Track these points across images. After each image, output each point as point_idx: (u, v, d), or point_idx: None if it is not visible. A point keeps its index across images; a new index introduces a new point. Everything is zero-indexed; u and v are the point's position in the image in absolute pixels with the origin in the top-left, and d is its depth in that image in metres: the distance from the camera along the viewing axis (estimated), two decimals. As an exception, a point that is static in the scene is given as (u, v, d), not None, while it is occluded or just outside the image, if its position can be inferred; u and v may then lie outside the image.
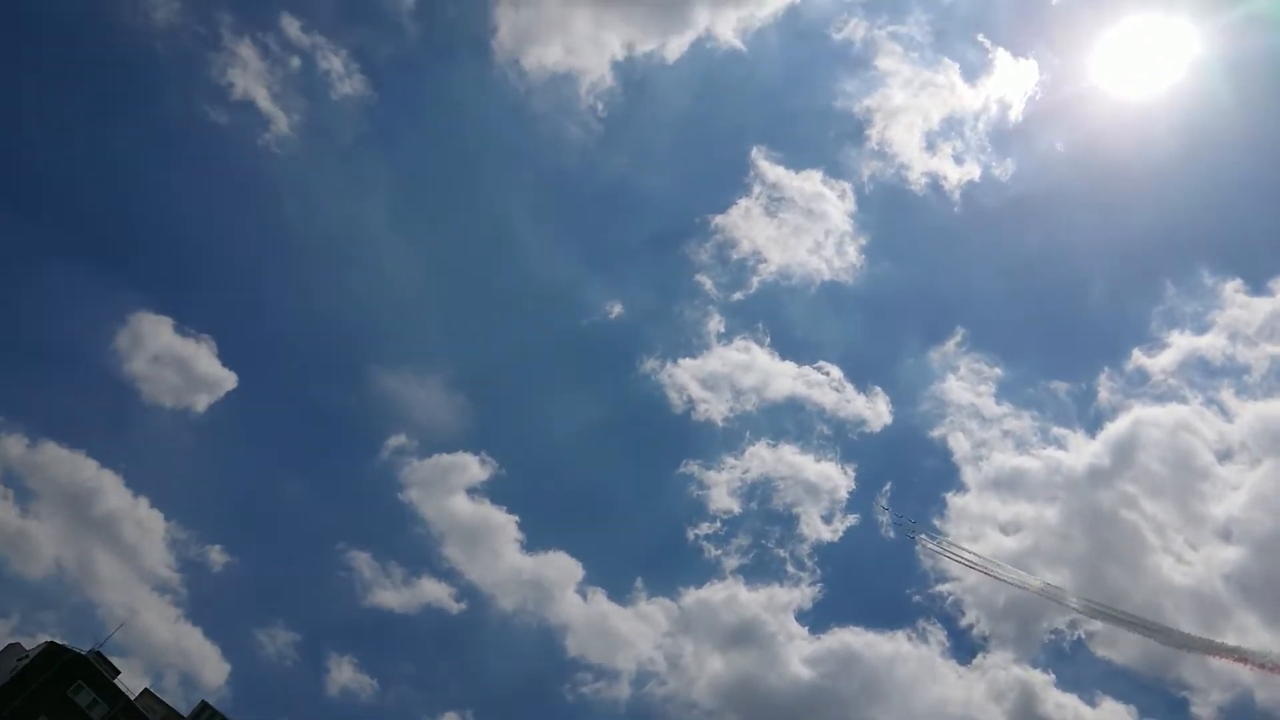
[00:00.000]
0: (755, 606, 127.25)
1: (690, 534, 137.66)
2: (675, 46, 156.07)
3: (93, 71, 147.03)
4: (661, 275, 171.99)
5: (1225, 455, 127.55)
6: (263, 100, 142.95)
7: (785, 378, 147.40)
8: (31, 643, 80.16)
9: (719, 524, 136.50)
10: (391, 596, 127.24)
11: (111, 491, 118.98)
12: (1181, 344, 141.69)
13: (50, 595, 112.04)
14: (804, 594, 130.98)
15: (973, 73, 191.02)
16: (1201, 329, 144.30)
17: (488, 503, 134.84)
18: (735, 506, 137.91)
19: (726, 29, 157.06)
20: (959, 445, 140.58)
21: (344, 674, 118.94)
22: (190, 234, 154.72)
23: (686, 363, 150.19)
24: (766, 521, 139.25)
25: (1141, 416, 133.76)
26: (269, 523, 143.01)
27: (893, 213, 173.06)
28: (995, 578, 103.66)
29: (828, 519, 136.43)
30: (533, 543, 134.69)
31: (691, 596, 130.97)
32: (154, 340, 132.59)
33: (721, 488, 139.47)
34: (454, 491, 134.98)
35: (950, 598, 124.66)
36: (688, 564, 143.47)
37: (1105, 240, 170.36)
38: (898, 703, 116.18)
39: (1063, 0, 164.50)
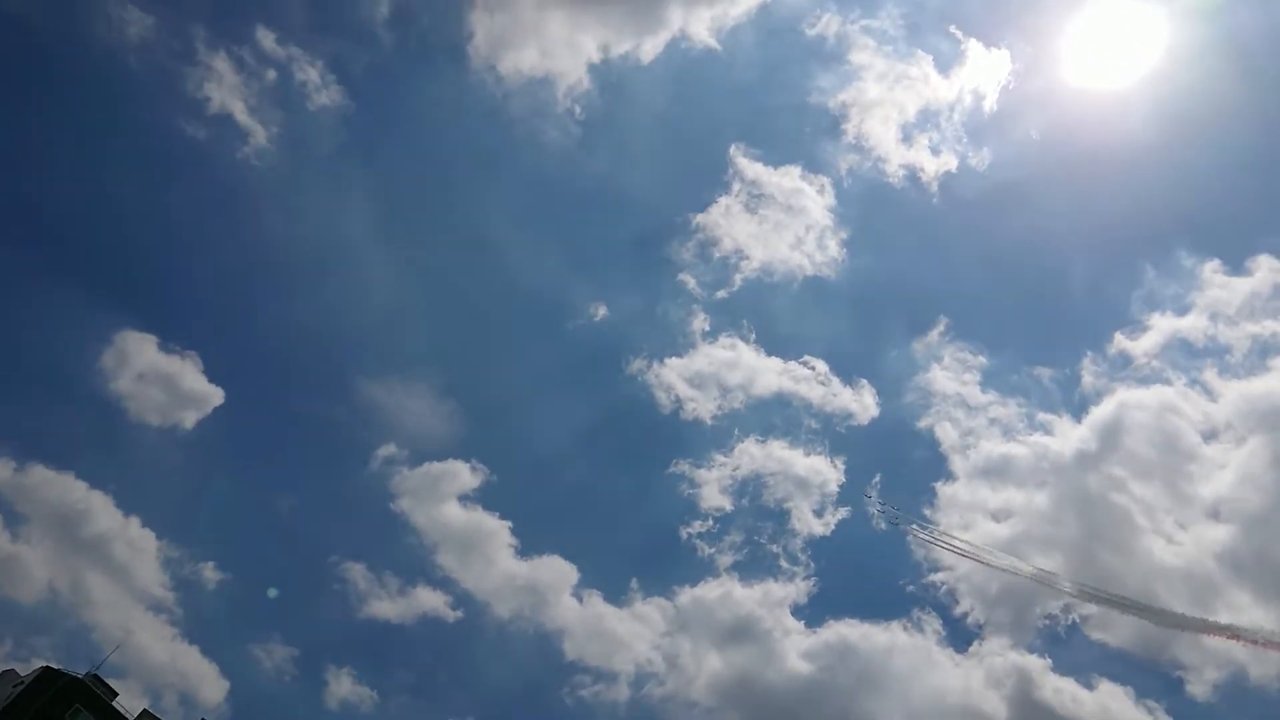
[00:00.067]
0: (750, 603, 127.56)
1: (683, 533, 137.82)
2: (650, 47, 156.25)
3: (67, 89, 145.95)
4: (645, 276, 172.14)
5: (1211, 435, 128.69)
6: (240, 113, 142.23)
7: (771, 374, 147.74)
8: (26, 668, 79.70)
9: (711, 522, 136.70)
10: (387, 607, 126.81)
11: (102, 512, 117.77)
12: (1163, 326, 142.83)
13: (44, 619, 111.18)
14: (798, 588, 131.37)
15: (946, 64, 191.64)
16: (1182, 310, 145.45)
17: (480, 509, 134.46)
18: (727, 504, 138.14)
19: (701, 28, 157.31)
20: (946, 435, 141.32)
21: (343, 687, 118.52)
22: (172, 250, 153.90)
23: (673, 362, 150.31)
24: (758, 518, 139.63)
25: (1126, 399, 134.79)
26: (261, 538, 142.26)
27: (872, 206, 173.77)
28: (987, 565, 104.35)
29: (819, 513, 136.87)
30: (526, 548, 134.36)
31: (687, 595, 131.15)
32: (139, 358, 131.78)
33: (712, 485, 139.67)
34: (446, 499, 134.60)
35: (944, 587, 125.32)
36: (682, 563, 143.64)
37: (1083, 226, 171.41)
38: (896, 693, 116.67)
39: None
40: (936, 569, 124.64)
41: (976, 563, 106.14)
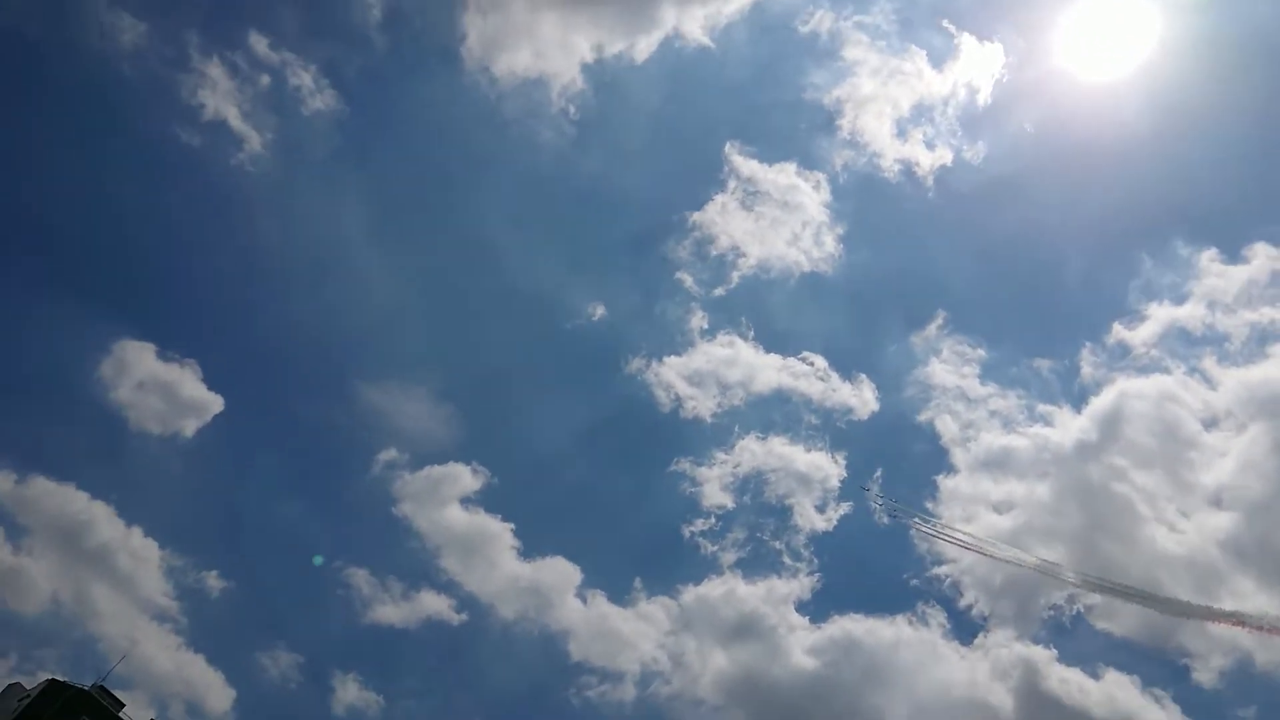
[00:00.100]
0: (755, 600, 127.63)
1: (686, 531, 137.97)
2: (644, 46, 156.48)
3: (61, 99, 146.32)
4: (642, 275, 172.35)
5: (1211, 423, 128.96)
6: (234, 119, 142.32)
7: (770, 370, 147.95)
8: (32, 681, 79.42)
9: (713, 520, 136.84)
10: (391, 612, 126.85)
11: (104, 523, 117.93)
12: (1161, 315, 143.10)
13: (48, 631, 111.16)
14: (802, 584, 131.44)
15: (939, 58, 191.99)
16: (1180, 299, 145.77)
17: (482, 512, 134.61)
18: (728, 501, 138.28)
19: (694, 26, 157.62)
20: (946, 428, 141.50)
21: (349, 692, 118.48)
22: (168, 258, 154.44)
23: (672, 361, 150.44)
24: (760, 514, 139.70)
25: (1126, 389, 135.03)
26: (264, 544, 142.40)
27: (868, 201, 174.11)
28: (991, 557, 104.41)
29: (821, 509, 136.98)
30: (529, 549, 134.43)
31: (691, 594, 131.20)
32: (138, 367, 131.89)
33: (714, 483, 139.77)
34: (447, 503, 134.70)
35: (948, 580, 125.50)
36: (685, 561, 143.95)
37: (1080, 217, 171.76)
38: (902, 687, 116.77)
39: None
40: (940, 562, 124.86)
41: (980, 555, 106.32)
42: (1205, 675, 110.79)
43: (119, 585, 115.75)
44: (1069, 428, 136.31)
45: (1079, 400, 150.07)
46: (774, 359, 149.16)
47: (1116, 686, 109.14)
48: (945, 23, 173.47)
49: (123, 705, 77.67)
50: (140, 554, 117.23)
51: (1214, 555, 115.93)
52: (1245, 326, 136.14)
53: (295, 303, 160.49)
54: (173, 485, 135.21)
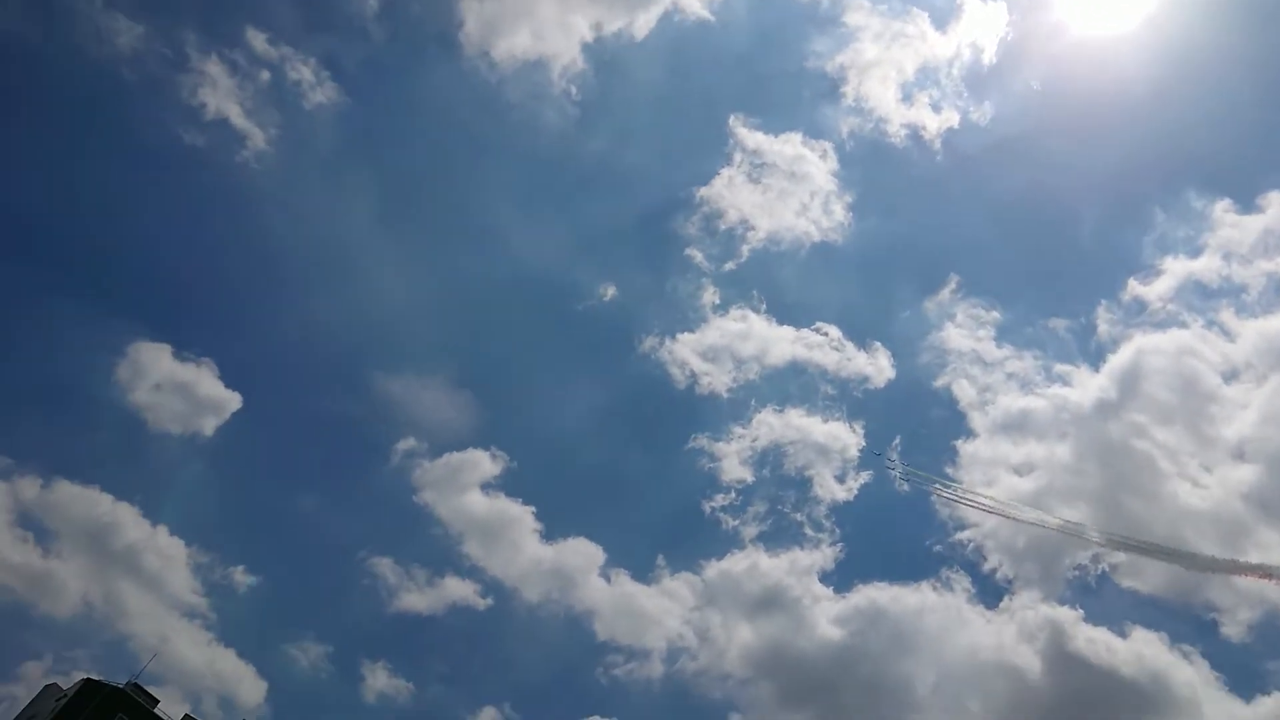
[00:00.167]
0: (778, 572, 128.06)
1: (706, 507, 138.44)
2: (643, 23, 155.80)
3: (62, 105, 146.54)
4: (652, 253, 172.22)
5: (1231, 376, 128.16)
6: (236, 117, 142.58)
7: (784, 342, 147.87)
8: (68, 681, 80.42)
9: (734, 494, 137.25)
10: (417, 599, 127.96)
11: (130, 523, 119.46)
12: (1176, 269, 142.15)
13: (81, 632, 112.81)
14: (825, 555, 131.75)
15: (942, 20, 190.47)
16: (1195, 252, 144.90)
17: (503, 496, 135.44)
18: (748, 475, 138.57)
19: (693, 0, 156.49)
20: (964, 392, 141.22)
21: (379, 680, 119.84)
22: (178, 258, 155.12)
23: (685, 337, 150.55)
24: (780, 487, 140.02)
25: (1143, 345, 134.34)
26: (289, 538, 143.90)
27: (875, 167, 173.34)
28: (1014, 519, 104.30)
29: (841, 479, 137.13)
30: (551, 531, 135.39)
31: (714, 569, 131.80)
32: (154, 368, 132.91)
33: (732, 458, 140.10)
34: (468, 489, 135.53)
35: (971, 544, 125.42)
36: (707, 537, 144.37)
37: (1090, 173, 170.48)
38: (929, 653, 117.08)
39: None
40: (962, 527, 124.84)
41: (1003, 518, 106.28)
42: (1233, 629, 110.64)
43: (148, 584, 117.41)
44: (1087, 387, 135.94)
45: (1096, 359, 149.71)
46: (787, 331, 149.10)
47: (1144, 644, 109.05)
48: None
49: (157, 701, 78.45)
50: (167, 552, 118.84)
51: (1238, 509, 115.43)
52: (1262, 277, 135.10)
53: (308, 297, 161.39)
54: (195, 484, 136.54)
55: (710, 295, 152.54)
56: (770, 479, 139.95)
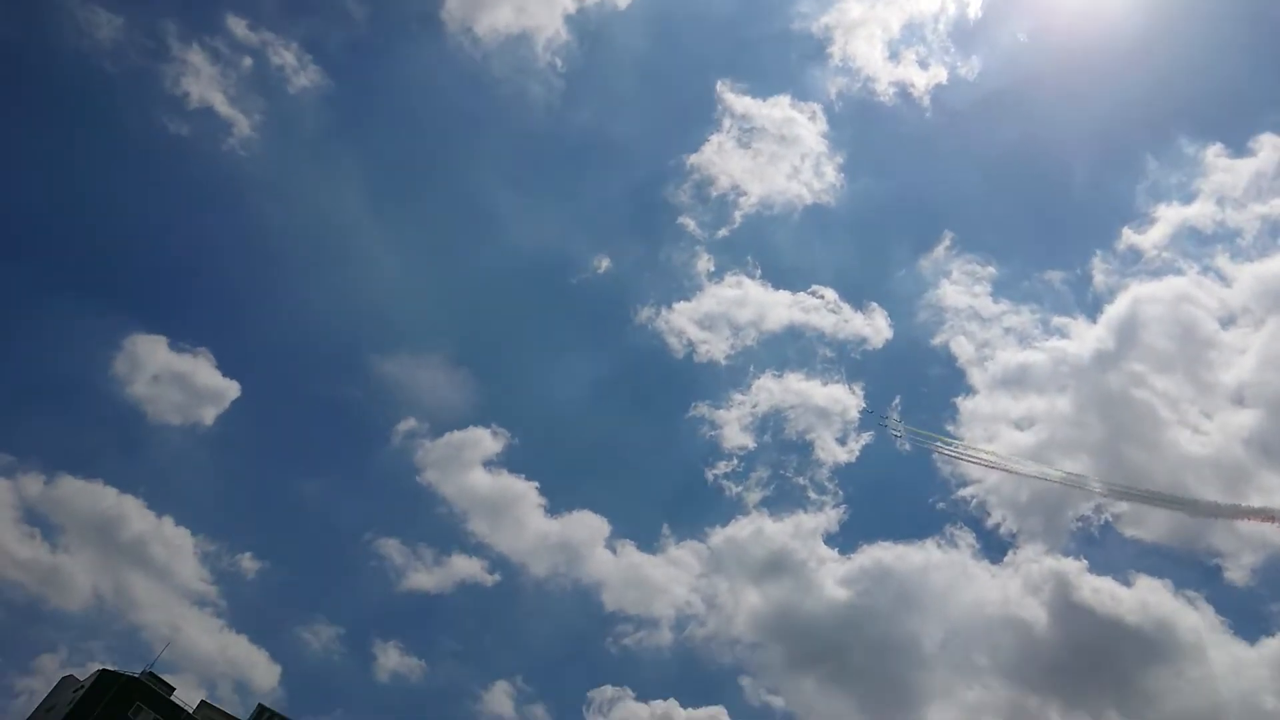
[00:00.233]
0: (783, 536, 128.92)
1: (709, 474, 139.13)
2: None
3: (44, 101, 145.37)
4: (644, 223, 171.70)
5: (1228, 321, 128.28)
6: (220, 105, 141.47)
7: (781, 307, 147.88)
8: (84, 673, 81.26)
9: (736, 461, 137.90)
10: (425, 578, 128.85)
11: (135, 515, 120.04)
12: (1170, 216, 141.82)
13: (93, 624, 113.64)
14: (829, 517, 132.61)
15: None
16: (1188, 198, 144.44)
17: (505, 473, 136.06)
18: (749, 441, 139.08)
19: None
20: (962, 349, 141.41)
21: (391, 659, 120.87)
22: (170, 249, 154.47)
23: (681, 306, 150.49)
24: (782, 451, 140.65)
25: (1140, 294, 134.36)
26: (294, 523, 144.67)
27: (865, 127, 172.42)
28: (1016, 474, 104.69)
29: (842, 440, 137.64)
30: (556, 505, 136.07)
31: (719, 536, 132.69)
32: (151, 360, 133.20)
33: (733, 425, 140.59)
34: (471, 467, 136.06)
35: (974, 500, 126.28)
36: (711, 504, 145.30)
37: (1080, 124, 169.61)
38: (936, 610, 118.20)
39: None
40: (965, 484, 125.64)
41: (1005, 473, 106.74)
42: (1237, 574, 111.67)
43: (156, 574, 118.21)
44: (1085, 338, 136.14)
45: (1093, 310, 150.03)
46: (783, 295, 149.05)
47: (1149, 592, 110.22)
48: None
49: (173, 689, 79.26)
50: (173, 542, 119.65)
51: (1239, 453, 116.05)
52: (1256, 220, 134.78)
53: (301, 282, 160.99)
54: (198, 473, 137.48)
55: (705, 263, 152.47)
56: (772, 444, 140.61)
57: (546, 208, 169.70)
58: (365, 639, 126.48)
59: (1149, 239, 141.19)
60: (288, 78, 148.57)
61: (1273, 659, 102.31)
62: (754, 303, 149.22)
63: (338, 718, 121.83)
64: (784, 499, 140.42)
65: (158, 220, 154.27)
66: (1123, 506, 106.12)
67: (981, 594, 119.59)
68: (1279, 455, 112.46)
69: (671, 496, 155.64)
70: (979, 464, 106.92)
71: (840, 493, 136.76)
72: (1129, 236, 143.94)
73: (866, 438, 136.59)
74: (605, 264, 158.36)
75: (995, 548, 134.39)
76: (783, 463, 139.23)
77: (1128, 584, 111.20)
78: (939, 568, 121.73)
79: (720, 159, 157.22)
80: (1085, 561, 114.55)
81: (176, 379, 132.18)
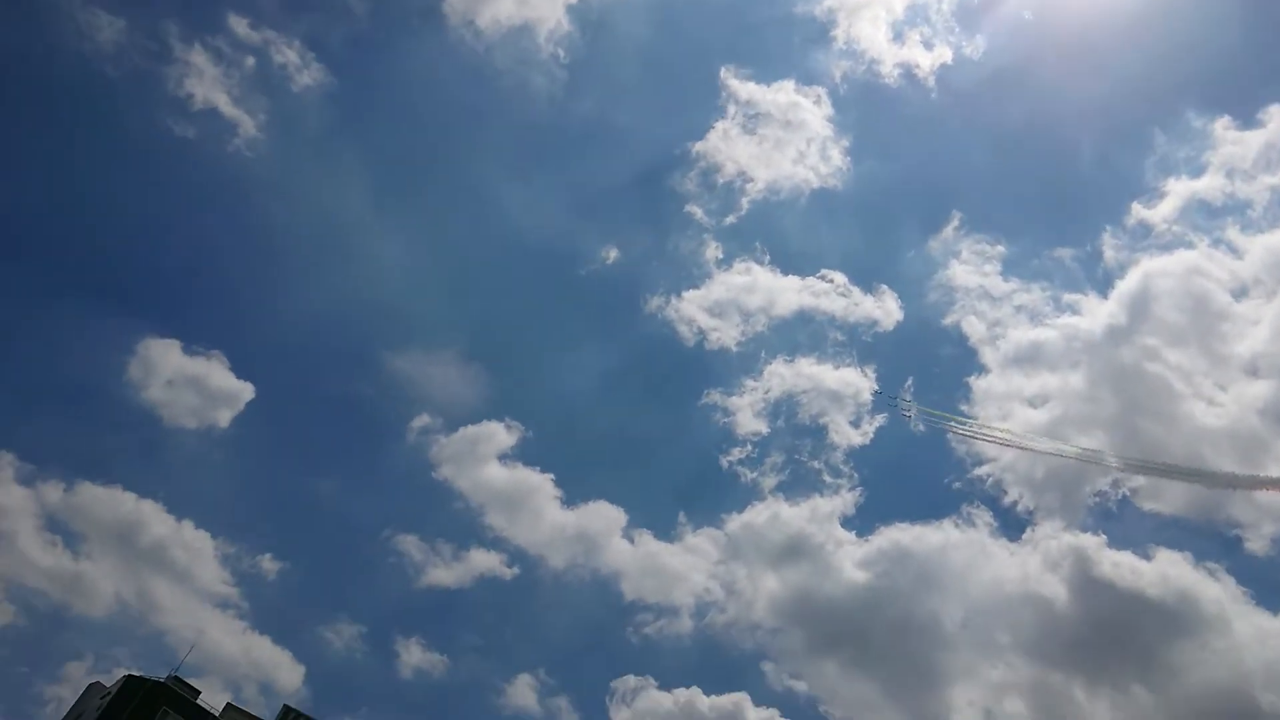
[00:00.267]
0: (799, 521, 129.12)
1: (723, 461, 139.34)
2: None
3: (48, 106, 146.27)
4: (651, 212, 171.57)
5: (1240, 292, 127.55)
6: (225, 105, 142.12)
7: (790, 292, 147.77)
8: (110, 679, 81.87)
9: (750, 447, 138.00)
10: (444, 574, 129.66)
11: (155, 520, 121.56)
12: (1179, 190, 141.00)
13: (118, 630, 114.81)
14: (845, 500, 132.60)
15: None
16: (1197, 172, 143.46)
17: (521, 466, 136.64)
18: (763, 427, 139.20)
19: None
20: (973, 328, 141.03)
21: (414, 655, 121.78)
22: (180, 252, 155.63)
23: (691, 294, 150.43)
24: (796, 436, 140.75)
25: (1150, 269, 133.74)
26: (313, 522, 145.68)
27: (871, 110, 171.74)
28: (1031, 451, 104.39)
29: (856, 423, 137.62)
30: (572, 497, 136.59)
31: (736, 522, 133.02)
32: (165, 364, 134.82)
33: (746, 411, 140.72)
34: (486, 461, 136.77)
35: (990, 479, 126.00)
36: (726, 491, 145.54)
37: (1087, 100, 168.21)
38: (955, 589, 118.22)
39: None
40: (980, 462, 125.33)
41: (1021, 451, 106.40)
42: (1257, 544, 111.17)
43: (178, 578, 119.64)
44: (1097, 314, 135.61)
45: (1104, 285, 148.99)
46: (793, 280, 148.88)
47: (1169, 565, 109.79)
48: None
49: (199, 693, 79.91)
50: (194, 546, 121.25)
51: (1255, 424, 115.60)
52: (1266, 191, 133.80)
53: (311, 281, 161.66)
54: (216, 476, 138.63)
55: (713, 250, 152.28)
56: (785, 429, 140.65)
57: (553, 199, 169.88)
58: (387, 636, 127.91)
59: (1159, 213, 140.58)
60: (291, 76, 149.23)
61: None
62: (763, 288, 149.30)
63: (363, 716, 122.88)
64: (799, 483, 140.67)
65: (167, 224, 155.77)
66: (1140, 480, 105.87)
67: (1001, 572, 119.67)
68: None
69: (687, 484, 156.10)
70: (994, 442, 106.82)
71: (855, 475, 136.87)
72: (1139, 211, 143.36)
73: (880, 420, 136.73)
74: (614, 254, 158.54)
75: (1013, 525, 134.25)
76: (797, 447, 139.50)
77: (1148, 558, 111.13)
78: (957, 547, 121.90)
79: (726, 145, 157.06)
80: (1104, 536, 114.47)
81: (191, 382, 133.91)
